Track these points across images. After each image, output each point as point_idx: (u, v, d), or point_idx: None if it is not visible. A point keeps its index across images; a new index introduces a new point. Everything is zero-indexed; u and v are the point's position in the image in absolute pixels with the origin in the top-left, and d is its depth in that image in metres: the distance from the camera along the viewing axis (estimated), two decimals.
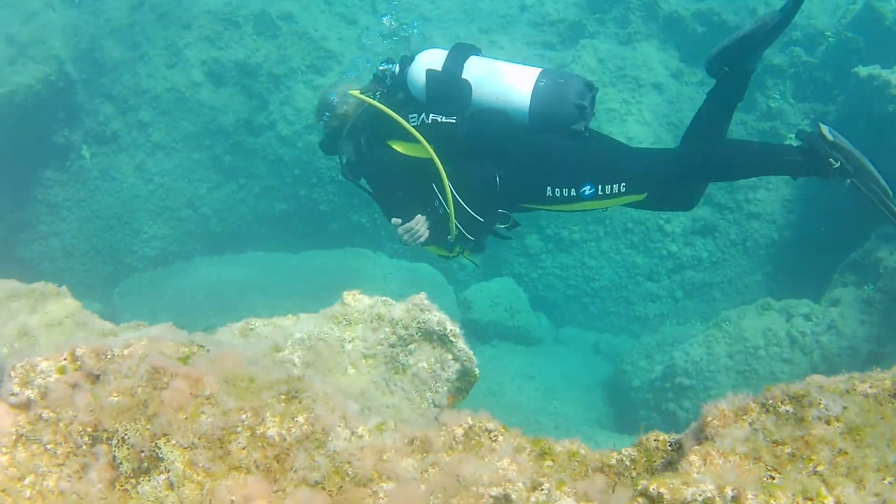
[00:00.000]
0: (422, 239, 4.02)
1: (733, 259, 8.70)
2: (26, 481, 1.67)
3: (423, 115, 3.84)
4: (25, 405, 1.83)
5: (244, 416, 1.61)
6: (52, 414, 1.72)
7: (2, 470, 1.67)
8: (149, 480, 1.59)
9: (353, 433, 1.70)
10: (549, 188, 3.74)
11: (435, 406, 3.50)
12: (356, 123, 4.04)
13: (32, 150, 8.69)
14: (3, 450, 1.70)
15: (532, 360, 8.04)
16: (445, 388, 3.52)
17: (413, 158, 3.89)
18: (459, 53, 3.89)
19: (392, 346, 3.46)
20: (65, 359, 1.89)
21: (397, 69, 3.99)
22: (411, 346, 3.50)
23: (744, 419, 1.78)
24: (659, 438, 1.87)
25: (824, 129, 3.46)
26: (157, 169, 8.80)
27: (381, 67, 4.05)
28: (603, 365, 8.40)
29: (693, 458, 1.61)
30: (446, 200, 3.85)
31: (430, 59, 3.89)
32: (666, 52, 8.67)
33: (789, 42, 8.64)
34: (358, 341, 3.45)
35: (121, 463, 1.62)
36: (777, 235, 8.59)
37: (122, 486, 1.62)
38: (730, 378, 7.21)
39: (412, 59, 3.96)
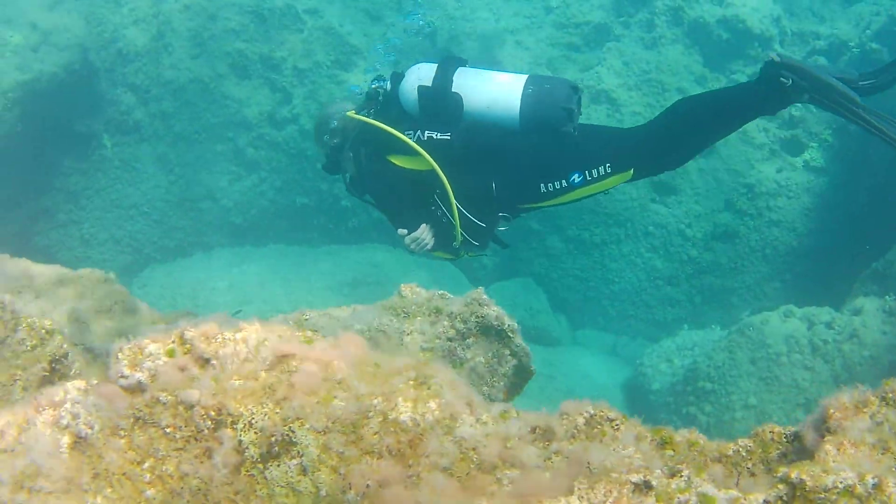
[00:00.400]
0: (428, 247, 4.13)
1: (752, 266, 8.69)
2: (146, 465, 1.63)
3: (419, 132, 3.96)
4: (136, 388, 1.79)
5: (376, 400, 1.58)
6: (170, 397, 1.68)
7: (121, 453, 1.64)
8: (278, 465, 1.56)
9: (477, 420, 1.67)
10: (541, 185, 3.91)
11: (490, 401, 3.47)
12: (356, 141, 4.15)
13: (53, 139, 8.63)
14: (122, 432, 1.66)
15: (551, 360, 8.01)
16: (502, 384, 3.51)
17: (414, 171, 4.01)
18: (448, 66, 3.99)
19: (450, 339, 3.44)
20: (173, 342, 1.86)
21: (388, 86, 4.08)
22: (469, 341, 3.48)
23: (864, 412, 1.77)
24: (774, 430, 1.86)
25: (773, 55, 3.60)
26: (179, 160, 8.75)
27: (372, 85, 4.16)
28: (621, 367, 8.39)
29: (828, 447, 1.59)
30: (449, 209, 3.96)
31: (420, 75, 3.98)
32: (690, 58, 8.65)
33: (813, 51, 8.65)
34: (416, 334, 3.42)
35: (247, 447, 1.58)
36: (796, 243, 8.59)
37: (247, 470, 1.58)
38: (752, 384, 7.19)
39: (402, 75, 4.04)
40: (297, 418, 1.54)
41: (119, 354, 1.84)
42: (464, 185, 3.95)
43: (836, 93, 3.47)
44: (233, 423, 1.61)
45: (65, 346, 2.70)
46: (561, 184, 3.89)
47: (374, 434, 1.56)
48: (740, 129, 8.48)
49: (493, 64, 4.13)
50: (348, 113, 4.14)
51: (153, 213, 8.82)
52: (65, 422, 1.67)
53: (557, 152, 3.90)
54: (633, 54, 8.54)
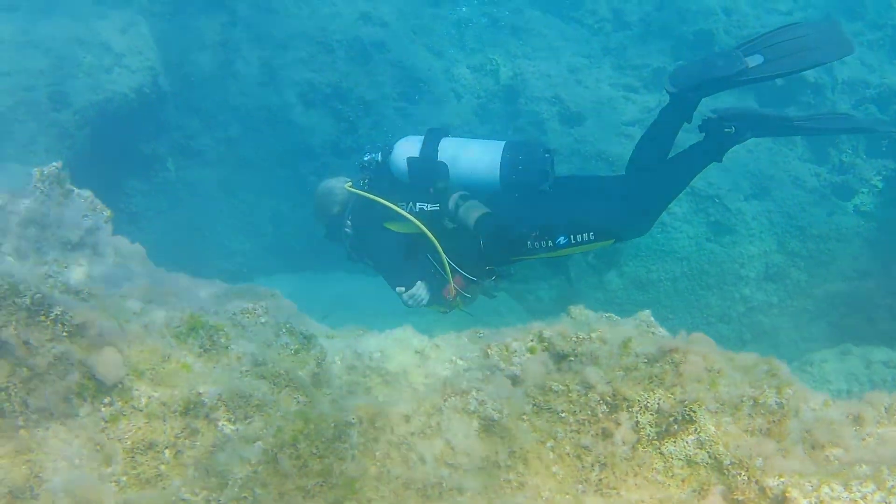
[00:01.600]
0: (424, 302, 4.69)
1: (802, 306, 9.21)
2: (548, 445, 2.02)
3: (411, 203, 4.54)
4: (513, 379, 2.19)
5: (747, 387, 2.00)
6: (562, 387, 2.08)
7: (525, 434, 2.03)
8: (674, 441, 1.96)
9: (809, 407, 2.08)
10: (529, 242, 4.45)
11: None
12: (354, 211, 4.74)
13: (118, 159, 8.97)
14: (524, 417, 2.05)
15: None
16: None
17: (407, 234, 4.58)
18: (432, 138, 4.59)
19: None
20: (532, 340, 2.26)
21: (380, 157, 4.71)
22: None
23: None
24: None
25: (711, 115, 4.33)
26: (242, 184, 9.13)
27: (365, 158, 4.77)
28: None
29: None
30: (443, 267, 4.48)
31: (408, 147, 4.60)
32: (745, 103, 9.26)
33: (863, 99, 9.30)
34: None
35: (643, 427, 1.99)
36: (845, 286, 9.13)
37: (643, 447, 1.98)
38: None
39: (392, 148, 4.65)
40: (695, 401, 1.95)
41: (489, 350, 2.24)
42: (454, 244, 4.51)
43: (772, 121, 4.21)
44: (628, 406, 2.01)
45: (324, 349, 3.07)
46: (547, 243, 4.43)
47: (748, 415, 1.98)
48: (793, 174, 9.08)
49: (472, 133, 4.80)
50: (346, 186, 4.75)
51: (213, 236, 9.16)
52: (472, 407, 2.06)
53: (546, 216, 4.43)
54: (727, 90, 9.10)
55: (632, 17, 9.82)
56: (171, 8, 9.28)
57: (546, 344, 2.24)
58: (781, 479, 1.79)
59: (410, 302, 4.71)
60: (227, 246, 9.17)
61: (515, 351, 2.22)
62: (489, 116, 9.22)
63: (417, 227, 4.45)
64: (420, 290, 4.68)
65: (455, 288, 4.60)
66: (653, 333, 3.90)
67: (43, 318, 2.55)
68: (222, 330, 2.65)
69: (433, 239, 4.45)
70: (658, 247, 8.98)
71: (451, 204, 4.48)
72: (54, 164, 5.23)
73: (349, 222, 4.91)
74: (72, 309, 2.57)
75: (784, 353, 9.16)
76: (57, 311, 2.56)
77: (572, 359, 2.20)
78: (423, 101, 9.14)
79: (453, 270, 4.54)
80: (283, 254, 9.22)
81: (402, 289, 4.69)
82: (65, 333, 2.54)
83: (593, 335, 2.21)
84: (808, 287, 9.17)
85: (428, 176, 4.53)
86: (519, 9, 9.85)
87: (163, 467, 2.29)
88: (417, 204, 4.54)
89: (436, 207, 4.51)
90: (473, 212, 4.42)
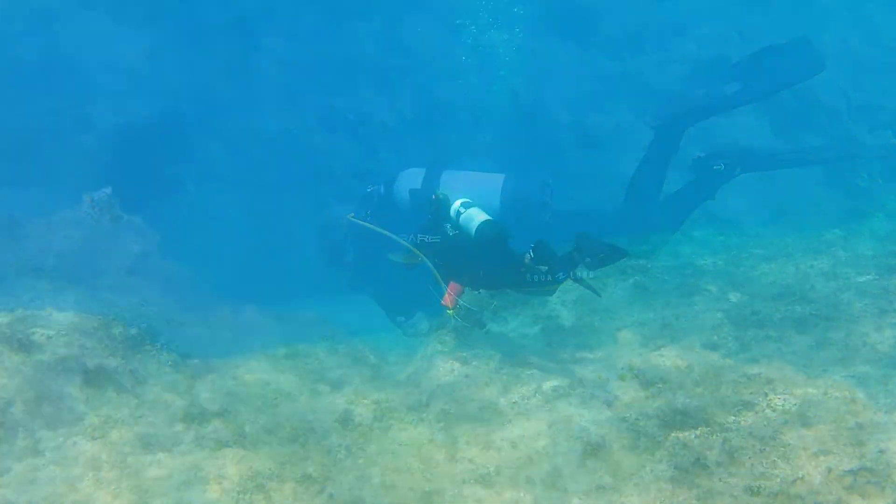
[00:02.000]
0: (423, 331, 4.89)
1: (816, 326, 9.37)
2: (647, 468, 2.21)
3: (412, 235, 4.73)
4: (608, 405, 2.38)
5: (826, 411, 2.20)
6: (656, 413, 2.27)
7: (626, 458, 2.22)
8: (763, 464, 2.15)
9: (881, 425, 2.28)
10: (528, 274, 4.59)
11: None
12: (356, 240, 4.96)
13: (141, 183, 9.14)
14: (623, 441, 2.25)
15: None
16: None
17: (408, 264, 4.78)
18: (435, 170, 4.80)
19: None
20: (622, 368, 2.46)
21: (383, 189, 4.93)
22: None
23: None
24: None
25: (700, 154, 4.58)
26: (264, 208, 9.31)
27: (368, 189, 4.99)
28: None
29: None
30: (442, 297, 4.68)
31: (411, 179, 4.80)
32: (761, 125, 9.53)
33: (878, 123, 9.58)
34: None
35: (736, 451, 2.18)
36: (861, 307, 9.33)
37: (736, 469, 2.18)
38: None
39: (394, 179, 4.87)
40: (784, 424, 2.15)
41: (582, 379, 2.44)
42: (455, 273, 4.67)
43: (760, 156, 4.50)
44: (720, 431, 2.20)
45: (391, 374, 3.26)
46: (546, 276, 4.57)
47: (832, 439, 2.18)
48: (810, 199, 9.33)
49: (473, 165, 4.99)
50: (349, 216, 4.97)
51: (233, 259, 9.32)
52: (575, 433, 2.25)
53: (544, 251, 4.56)
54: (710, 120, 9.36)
55: (649, 42, 10.11)
56: (194, 32, 9.51)
57: (635, 371, 2.44)
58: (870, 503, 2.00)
59: (410, 331, 4.90)
60: (247, 269, 9.32)
61: (608, 380, 2.42)
62: (508, 141, 9.45)
63: (420, 257, 4.61)
64: (419, 319, 4.86)
65: (452, 295, 4.72)
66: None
67: (149, 347, 2.74)
68: (316, 357, 2.83)
69: (434, 270, 4.63)
70: (675, 269, 9.18)
71: (452, 210, 4.62)
72: (105, 189, 5.45)
73: (351, 251, 5.12)
74: (176, 338, 2.76)
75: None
76: (162, 339, 2.75)
77: (660, 385, 2.40)
78: (443, 125, 9.37)
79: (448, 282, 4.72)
80: (303, 277, 9.38)
81: (402, 318, 4.89)
82: (170, 362, 2.72)
83: (679, 363, 2.42)
84: (823, 310, 9.36)
85: (429, 208, 4.71)
86: (537, 35, 10.12)
87: (274, 495, 2.45)
88: (419, 235, 4.71)
89: (436, 240, 4.65)
90: (475, 218, 4.55)
